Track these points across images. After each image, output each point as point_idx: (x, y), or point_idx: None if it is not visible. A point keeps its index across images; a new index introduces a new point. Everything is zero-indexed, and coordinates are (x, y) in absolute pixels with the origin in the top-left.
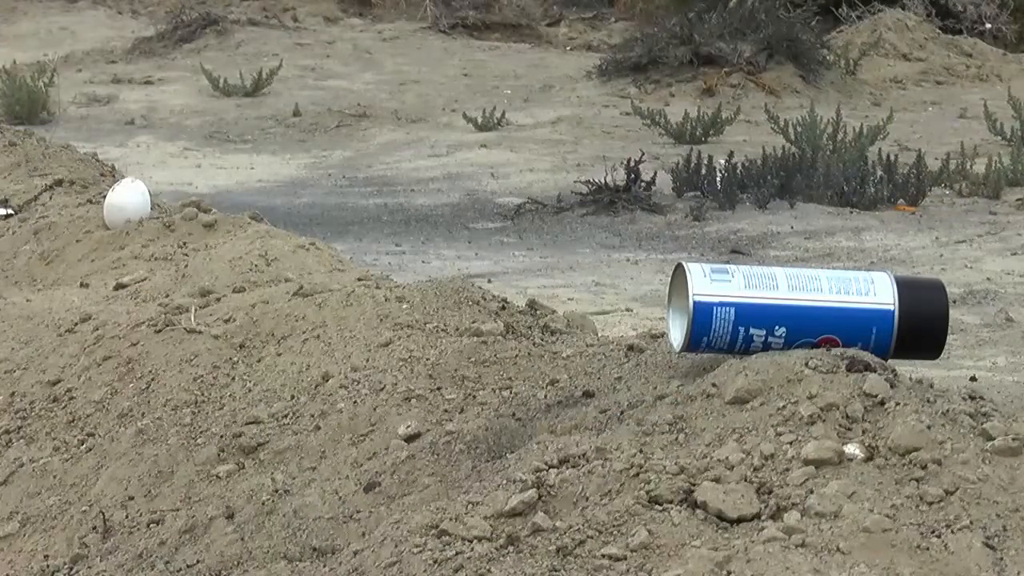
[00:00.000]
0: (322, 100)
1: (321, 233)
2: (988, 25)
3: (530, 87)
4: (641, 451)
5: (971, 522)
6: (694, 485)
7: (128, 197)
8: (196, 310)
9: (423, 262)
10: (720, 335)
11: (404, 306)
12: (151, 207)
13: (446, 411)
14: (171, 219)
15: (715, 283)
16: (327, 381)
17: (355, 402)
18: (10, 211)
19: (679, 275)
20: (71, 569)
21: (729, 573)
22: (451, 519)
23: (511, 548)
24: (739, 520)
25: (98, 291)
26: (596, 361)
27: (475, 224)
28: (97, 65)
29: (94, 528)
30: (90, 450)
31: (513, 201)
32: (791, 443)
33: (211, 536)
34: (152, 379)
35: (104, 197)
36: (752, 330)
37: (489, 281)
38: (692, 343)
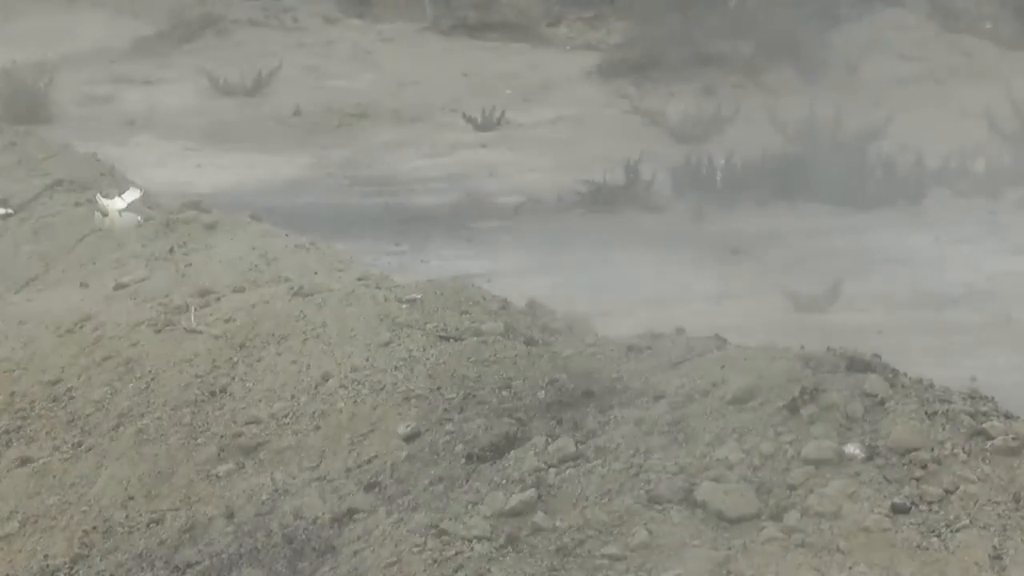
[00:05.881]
0: (322, 100)
1: (321, 233)
2: (988, 24)
3: (530, 87)
4: (641, 451)
5: (971, 522)
6: (694, 485)
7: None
8: (196, 310)
9: (423, 262)
10: None
11: (404, 306)
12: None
13: (446, 411)
14: (171, 219)
15: None
16: (327, 381)
17: (355, 402)
18: (10, 211)
19: None
20: (71, 569)
21: (729, 573)
22: (451, 519)
23: (511, 548)
24: (739, 520)
25: (98, 291)
26: (596, 361)
27: (475, 224)
28: (97, 65)
29: (94, 528)
30: (90, 450)
31: (513, 201)
32: (791, 443)
33: (211, 536)
34: (152, 379)
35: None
36: None
37: (489, 281)
38: None
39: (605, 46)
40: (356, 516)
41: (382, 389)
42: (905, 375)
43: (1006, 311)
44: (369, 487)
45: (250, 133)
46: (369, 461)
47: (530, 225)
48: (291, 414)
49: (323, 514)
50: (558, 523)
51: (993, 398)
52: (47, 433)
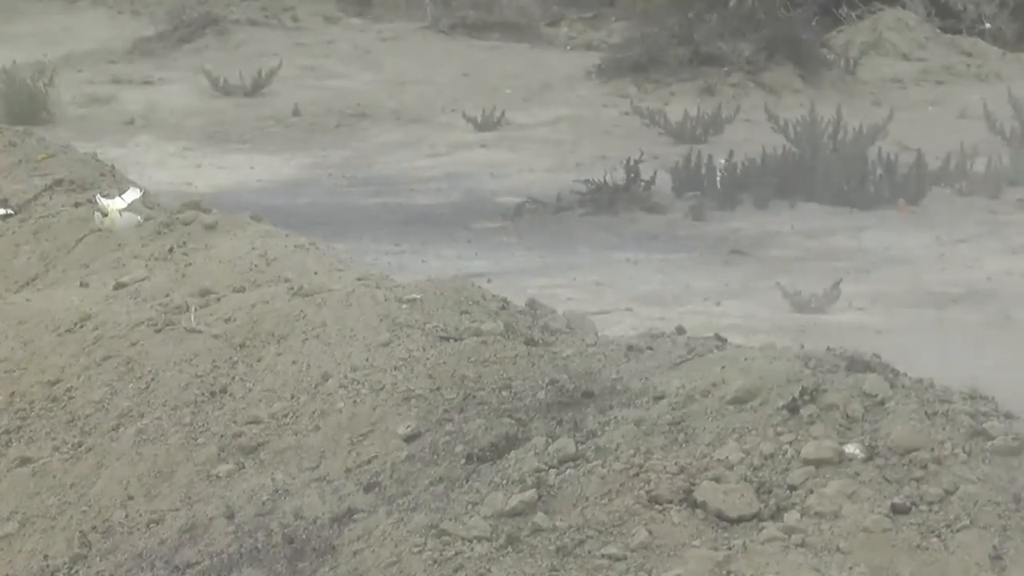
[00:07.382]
0: (322, 100)
1: (321, 233)
2: (988, 24)
3: (530, 87)
4: (641, 451)
5: (971, 522)
6: (694, 485)
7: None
8: (196, 310)
9: (423, 262)
10: None
11: (404, 306)
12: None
13: (446, 411)
14: (171, 219)
15: None
16: (327, 381)
17: (355, 402)
18: (10, 211)
19: None
20: (71, 569)
21: (729, 573)
22: (451, 519)
23: (511, 548)
24: (739, 520)
25: (98, 291)
26: (596, 361)
27: (475, 224)
28: (97, 65)
29: (94, 528)
30: (90, 450)
31: (513, 201)
32: (791, 443)
33: (211, 536)
34: (152, 379)
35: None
36: None
37: (489, 281)
38: None
39: (605, 46)
40: (356, 516)
41: (382, 389)
42: (905, 375)
43: (1006, 311)
44: (369, 487)
45: (250, 133)
46: (369, 461)
47: (530, 225)
48: (291, 414)
49: (323, 514)
50: (558, 523)
51: (993, 398)
52: (47, 433)
